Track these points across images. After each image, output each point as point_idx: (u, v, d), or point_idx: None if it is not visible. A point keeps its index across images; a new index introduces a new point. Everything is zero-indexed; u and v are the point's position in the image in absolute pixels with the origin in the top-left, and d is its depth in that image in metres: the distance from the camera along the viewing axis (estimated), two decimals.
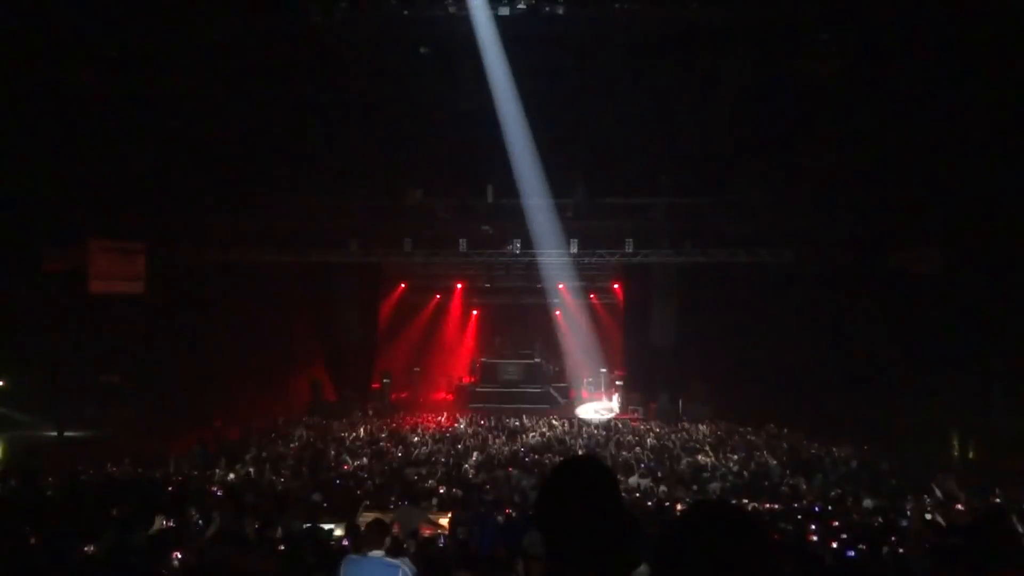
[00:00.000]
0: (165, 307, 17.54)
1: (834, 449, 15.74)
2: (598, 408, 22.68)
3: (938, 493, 11.12)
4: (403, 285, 25.80)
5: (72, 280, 15.50)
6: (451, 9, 12.61)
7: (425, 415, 21.61)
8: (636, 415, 21.33)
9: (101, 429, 15.33)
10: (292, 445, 16.28)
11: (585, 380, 24.46)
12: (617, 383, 23.81)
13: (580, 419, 20.55)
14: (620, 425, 19.65)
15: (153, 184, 15.98)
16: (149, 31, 13.37)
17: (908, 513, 9.74)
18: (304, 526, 7.42)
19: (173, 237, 17.71)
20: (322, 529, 7.61)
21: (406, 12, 12.52)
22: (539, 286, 23.76)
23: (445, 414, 21.44)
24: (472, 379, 26.25)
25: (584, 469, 1.75)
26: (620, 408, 22.28)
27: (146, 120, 14.77)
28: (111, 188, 15.25)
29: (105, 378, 17.10)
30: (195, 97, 14.80)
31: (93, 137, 14.29)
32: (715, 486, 12.33)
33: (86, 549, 5.12)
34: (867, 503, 10.74)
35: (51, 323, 15.23)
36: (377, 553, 4.86)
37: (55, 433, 15.57)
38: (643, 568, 1.77)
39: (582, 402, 23.40)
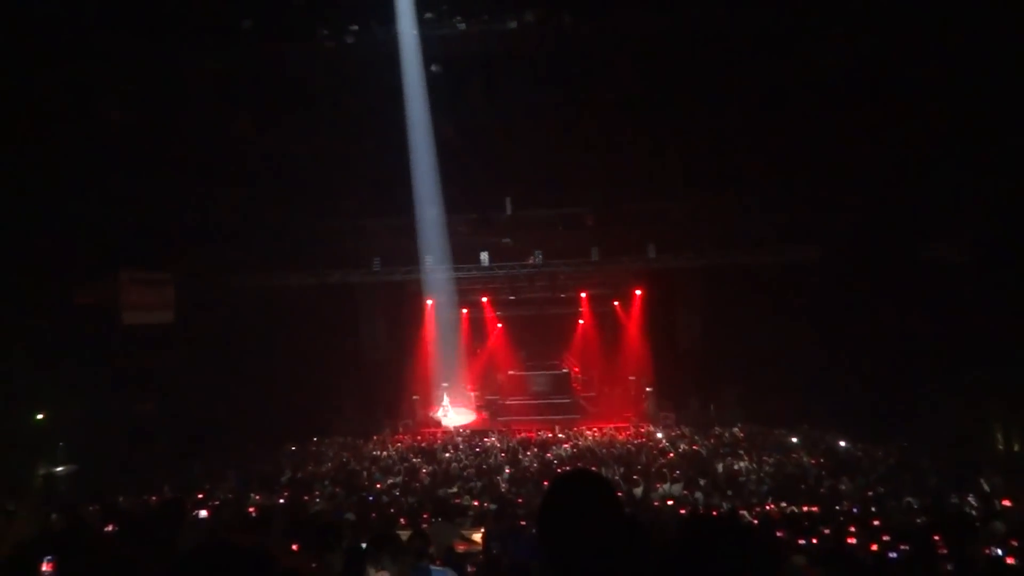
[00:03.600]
0: (195, 335, 17.82)
1: (872, 448, 15.39)
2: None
3: (985, 487, 10.80)
4: (430, 302, 25.85)
5: (104, 312, 15.84)
6: (460, 27, 12.76)
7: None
8: (668, 421, 21.12)
9: (138, 458, 15.57)
10: (326, 466, 16.37)
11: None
12: (647, 390, 23.61)
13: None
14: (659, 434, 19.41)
15: (177, 214, 16.30)
16: (170, 62, 13.73)
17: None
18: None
19: (199, 265, 18.02)
20: (361, 548, 7.59)
21: (415, 32, 12.70)
22: (562, 296, 23.66)
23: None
24: (501, 392, 26.17)
25: (579, 483, 1.76)
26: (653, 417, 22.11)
27: (167, 149, 15.10)
28: (137, 219, 15.59)
29: (140, 408, 17.38)
30: (214, 125, 15.12)
31: (117, 170, 14.62)
32: (752, 490, 12.12)
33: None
34: (908, 502, 10.47)
35: (86, 356, 15.54)
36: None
37: (94, 464, 15.87)
38: None
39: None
